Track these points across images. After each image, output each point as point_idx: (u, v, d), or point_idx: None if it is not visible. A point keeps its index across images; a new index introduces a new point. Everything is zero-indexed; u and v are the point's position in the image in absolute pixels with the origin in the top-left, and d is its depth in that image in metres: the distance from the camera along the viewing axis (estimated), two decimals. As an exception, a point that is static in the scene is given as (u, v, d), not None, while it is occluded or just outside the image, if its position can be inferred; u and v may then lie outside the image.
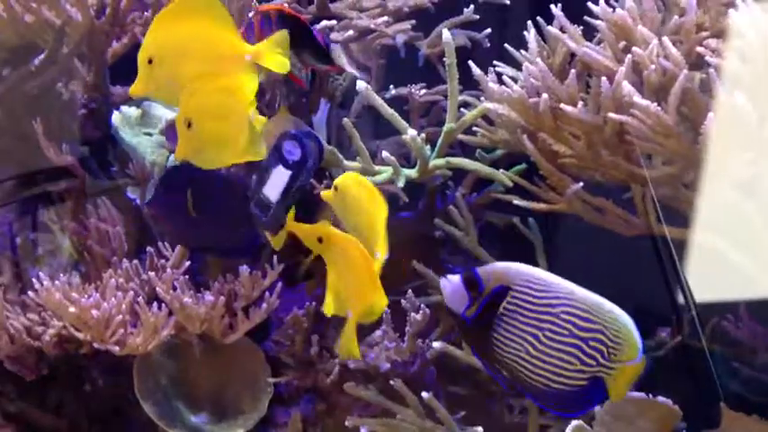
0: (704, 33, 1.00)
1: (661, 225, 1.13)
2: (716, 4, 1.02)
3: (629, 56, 1.00)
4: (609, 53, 1.05)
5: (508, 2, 1.38)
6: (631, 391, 1.07)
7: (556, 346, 0.90)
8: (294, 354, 1.31)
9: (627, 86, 0.98)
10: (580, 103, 1.05)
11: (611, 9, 1.05)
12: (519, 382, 0.93)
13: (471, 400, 1.35)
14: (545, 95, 1.06)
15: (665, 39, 0.98)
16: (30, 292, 1.23)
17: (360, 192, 0.97)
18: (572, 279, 1.18)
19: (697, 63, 1.00)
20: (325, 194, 1.00)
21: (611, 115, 1.01)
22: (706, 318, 1.27)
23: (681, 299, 1.26)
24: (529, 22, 1.18)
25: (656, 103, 0.97)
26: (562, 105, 1.05)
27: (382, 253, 0.93)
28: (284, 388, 1.33)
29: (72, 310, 1.18)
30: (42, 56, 1.33)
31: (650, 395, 1.09)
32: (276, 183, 0.97)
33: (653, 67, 0.98)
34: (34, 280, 1.21)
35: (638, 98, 0.97)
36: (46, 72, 1.35)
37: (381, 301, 0.94)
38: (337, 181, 1.00)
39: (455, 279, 0.93)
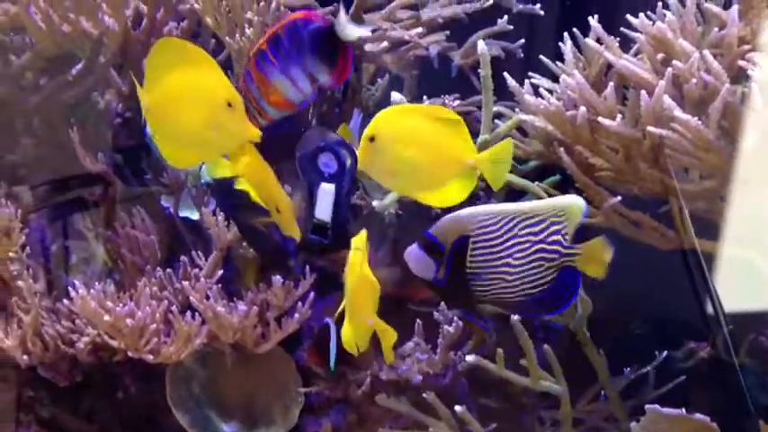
0: (746, 47, 0.99)
1: (698, 239, 1.12)
2: (758, 17, 1.00)
3: (670, 69, 0.99)
4: (647, 66, 1.04)
5: (542, 12, 1.37)
6: (667, 406, 1.07)
7: (525, 261, 0.96)
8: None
9: (667, 100, 0.97)
10: (618, 117, 1.04)
11: (651, 22, 1.05)
12: (504, 307, 1.00)
13: (502, 413, 1.34)
14: (583, 108, 1.06)
15: (707, 52, 0.97)
16: (65, 300, 1.24)
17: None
18: (605, 292, 1.18)
19: (738, 77, 0.99)
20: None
21: (651, 129, 1.00)
22: (742, 331, 1.25)
23: (716, 313, 1.25)
24: (565, 34, 1.17)
25: (696, 118, 0.96)
26: (600, 119, 1.04)
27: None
28: (315, 398, 1.33)
29: (107, 318, 1.19)
30: (79, 66, 1.35)
31: (685, 410, 1.08)
32: (324, 202, 0.97)
33: (694, 80, 0.97)
34: (70, 288, 1.22)
35: (678, 112, 0.96)
36: (83, 81, 1.36)
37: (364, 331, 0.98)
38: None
39: (416, 251, 0.96)
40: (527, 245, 0.96)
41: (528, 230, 0.95)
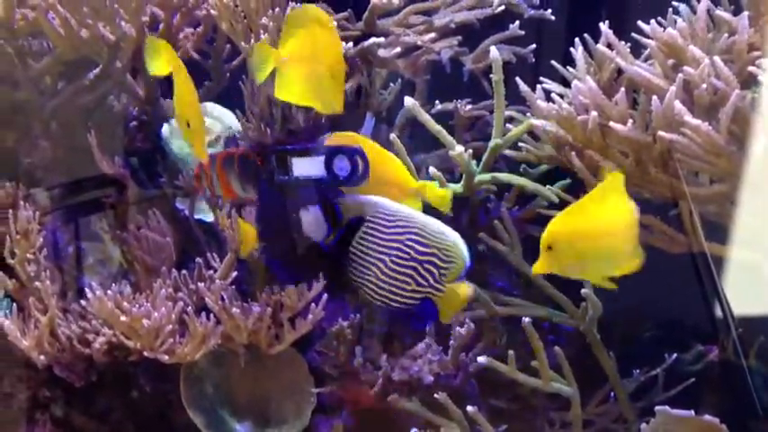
0: (756, 53, 1.00)
1: (707, 242, 1.13)
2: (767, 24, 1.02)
3: (680, 75, 1.00)
4: (658, 71, 1.06)
5: (553, 17, 1.38)
6: (676, 407, 1.08)
7: (398, 269, 1.02)
8: (338, 364, 1.32)
9: (678, 105, 0.98)
10: (629, 121, 1.05)
11: (662, 28, 1.06)
12: (366, 299, 1.06)
13: (512, 414, 1.35)
14: (594, 113, 1.07)
15: (717, 58, 0.98)
16: (82, 301, 1.25)
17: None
18: (616, 295, 1.19)
19: (748, 82, 1.00)
20: None
21: (662, 134, 1.01)
22: (753, 336, 1.26)
23: (726, 316, 1.26)
24: (576, 39, 1.19)
25: (706, 123, 0.97)
26: (612, 123, 1.06)
27: None
28: (327, 398, 1.34)
29: (123, 319, 1.20)
30: (97, 70, 1.37)
31: (694, 412, 1.09)
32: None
33: (704, 86, 0.98)
34: (86, 289, 1.23)
35: (689, 117, 0.97)
36: (100, 86, 1.38)
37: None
38: None
39: (315, 209, 1.03)
40: (406, 256, 1.02)
41: (412, 245, 1.02)
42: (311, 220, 1.02)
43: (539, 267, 0.97)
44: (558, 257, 0.96)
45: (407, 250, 1.02)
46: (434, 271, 1.01)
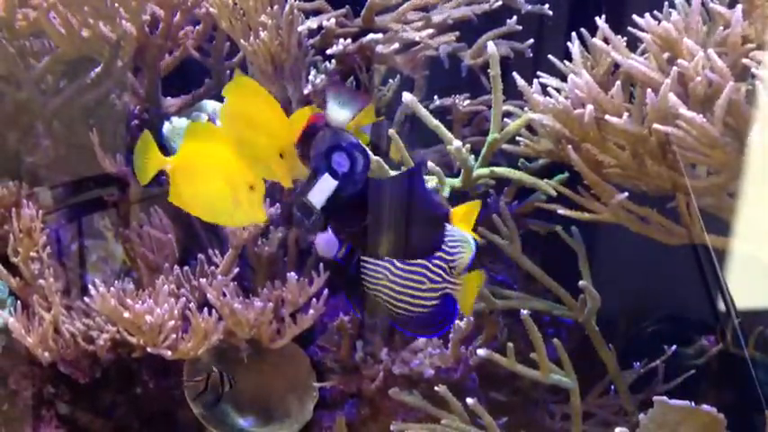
0: (750, 45, 1.00)
1: (704, 234, 1.13)
2: (761, 17, 1.02)
3: (675, 68, 1.01)
4: (654, 65, 1.06)
5: (550, 12, 1.39)
6: (676, 399, 1.09)
7: (407, 269, 1.00)
8: (339, 359, 1.34)
9: (673, 98, 0.99)
10: (625, 114, 1.06)
11: (657, 21, 1.06)
12: (386, 314, 1.03)
13: (512, 407, 1.36)
14: (590, 107, 1.08)
15: (711, 51, 0.98)
16: (85, 298, 1.27)
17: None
18: (614, 287, 1.20)
19: (742, 75, 1.01)
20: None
21: (657, 126, 1.02)
22: (750, 326, 1.27)
23: (724, 307, 1.26)
24: (573, 34, 1.19)
25: (701, 115, 0.98)
26: (607, 116, 1.06)
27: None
28: (329, 392, 1.35)
29: (127, 315, 1.21)
30: (98, 69, 1.38)
31: (693, 403, 1.10)
32: (322, 189, 1.00)
33: (699, 78, 0.99)
34: (90, 286, 1.24)
35: (683, 110, 0.98)
36: (101, 84, 1.39)
37: None
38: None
39: (324, 233, 1.02)
40: None
41: None
42: (325, 242, 1.02)
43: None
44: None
45: None
46: (444, 265, 1.01)
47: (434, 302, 1.02)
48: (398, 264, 1.01)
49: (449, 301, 1.02)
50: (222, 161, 0.99)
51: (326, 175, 1.03)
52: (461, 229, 1.02)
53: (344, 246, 1.02)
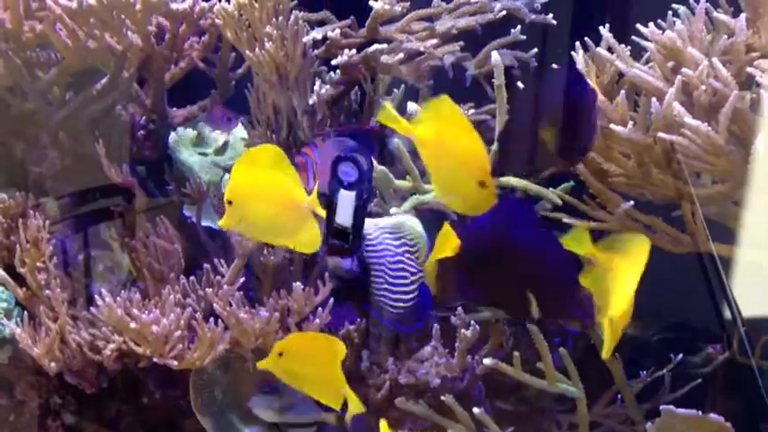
0: (754, 54, 1.01)
1: (710, 242, 1.13)
2: (766, 25, 1.02)
3: (679, 77, 1.01)
4: (658, 74, 1.07)
5: (555, 22, 1.39)
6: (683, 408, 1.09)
7: (393, 267, 1.09)
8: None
9: (677, 107, 0.99)
10: (630, 123, 1.06)
11: (661, 30, 1.07)
12: (389, 317, 1.12)
13: (519, 416, 1.36)
14: (595, 116, 1.08)
15: (715, 60, 0.99)
16: (92, 308, 1.27)
17: None
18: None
19: (747, 83, 1.01)
20: None
21: (662, 135, 1.02)
22: (756, 334, 1.27)
23: (730, 315, 1.26)
24: (577, 43, 1.20)
25: (706, 123, 0.98)
26: (612, 125, 1.06)
27: None
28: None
29: (133, 325, 1.21)
30: (104, 80, 1.39)
31: (700, 412, 1.10)
32: (345, 208, 1.00)
33: (703, 87, 0.99)
34: (96, 296, 1.25)
35: (688, 118, 0.98)
36: (107, 95, 1.40)
37: None
38: None
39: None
40: (389, 253, 1.10)
41: (389, 244, 1.09)
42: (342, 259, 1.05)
43: (223, 222, 1.04)
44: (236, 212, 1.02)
45: (389, 249, 1.09)
46: (413, 257, 1.09)
47: (415, 294, 1.09)
48: (389, 264, 1.08)
49: (423, 290, 1.10)
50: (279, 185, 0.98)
51: (341, 192, 1.04)
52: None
53: (354, 260, 1.03)
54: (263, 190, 0.98)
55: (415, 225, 1.08)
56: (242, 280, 1.31)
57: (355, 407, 1.10)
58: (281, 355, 1.10)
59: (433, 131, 0.95)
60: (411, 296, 1.08)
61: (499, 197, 0.99)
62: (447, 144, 0.94)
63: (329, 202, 1.01)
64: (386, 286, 1.06)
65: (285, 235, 1.02)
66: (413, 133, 0.95)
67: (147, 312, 1.23)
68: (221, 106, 1.48)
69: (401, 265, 1.09)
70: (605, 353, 0.94)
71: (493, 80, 1.20)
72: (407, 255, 1.07)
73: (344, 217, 1.00)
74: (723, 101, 0.97)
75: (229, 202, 1.02)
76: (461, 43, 1.34)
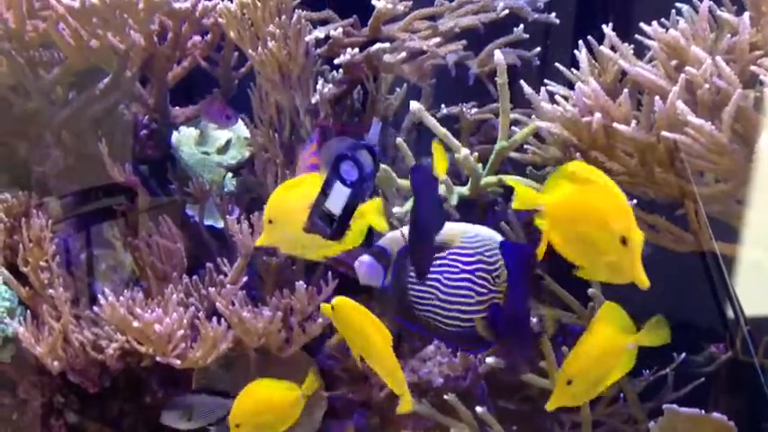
0: (758, 52, 1.00)
1: (713, 241, 1.13)
2: (769, 24, 1.02)
3: (683, 75, 1.01)
4: (661, 72, 1.07)
5: (557, 21, 1.39)
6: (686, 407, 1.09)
7: (454, 285, 0.99)
8: (348, 368, 1.33)
9: (681, 105, 0.99)
10: (633, 122, 1.06)
11: (664, 29, 1.07)
12: (438, 333, 1.02)
13: (521, 415, 1.36)
14: (598, 115, 1.08)
15: (719, 58, 0.99)
16: (95, 307, 1.27)
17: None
18: (623, 295, 1.19)
19: (750, 82, 1.01)
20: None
21: (665, 134, 1.02)
22: (759, 333, 1.26)
23: (733, 314, 1.26)
24: (580, 42, 1.19)
25: (709, 122, 0.98)
26: (615, 124, 1.06)
27: None
28: (338, 401, 1.35)
29: (136, 324, 1.22)
30: (107, 79, 1.39)
31: (703, 411, 1.10)
32: (338, 198, 1.00)
33: (707, 86, 0.99)
34: (99, 296, 1.25)
35: (691, 117, 0.98)
36: (110, 95, 1.40)
37: None
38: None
39: (365, 258, 1.01)
40: (456, 270, 1.00)
41: (457, 258, 0.99)
42: (367, 269, 1.01)
43: (261, 240, 1.05)
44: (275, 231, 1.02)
45: (455, 264, 1.00)
46: (487, 276, 1.00)
47: (482, 315, 1.01)
48: (445, 281, 1.00)
49: (496, 311, 1.01)
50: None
51: (339, 184, 1.03)
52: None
53: (389, 273, 1.01)
54: (301, 208, 0.99)
55: (495, 238, 1.00)
56: (245, 279, 1.31)
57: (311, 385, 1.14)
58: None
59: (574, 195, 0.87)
60: (471, 316, 1.03)
61: None
62: (589, 204, 0.86)
63: (325, 186, 1.01)
64: (437, 303, 1.02)
65: (324, 246, 1.02)
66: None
67: (149, 311, 1.23)
68: (220, 101, 1.48)
69: (466, 283, 1.00)
70: (549, 405, 0.97)
71: (495, 79, 1.20)
72: (479, 273, 1.02)
73: (335, 205, 1.00)
74: (726, 99, 0.97)
75: (269, 221, 1.04)
76: (464, 42, 1.34)
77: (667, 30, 1.07)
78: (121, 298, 1.24)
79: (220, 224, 1.43)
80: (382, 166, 1.22)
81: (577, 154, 1.13)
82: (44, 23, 1.34)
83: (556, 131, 1.15)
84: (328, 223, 1.01)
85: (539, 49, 1.39)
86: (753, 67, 0.99)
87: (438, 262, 1.00)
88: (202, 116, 1.52)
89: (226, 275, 1.31)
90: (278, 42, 1.25)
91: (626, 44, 1.13)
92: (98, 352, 1.29)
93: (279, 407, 1.14)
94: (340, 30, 1.30)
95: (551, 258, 1.38)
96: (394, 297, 1.02)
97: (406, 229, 1.03)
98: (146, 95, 1.44)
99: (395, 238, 1.03)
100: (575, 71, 1.19)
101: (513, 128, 1.24)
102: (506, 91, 1.19)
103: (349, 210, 1.00)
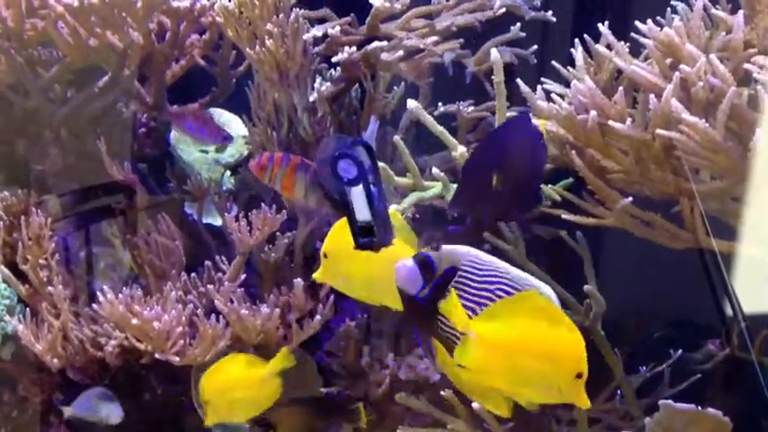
0: (752, 50, 1.01)
1: (709, 238, 1.13)
2: (763, 22, 1.03)
3: (677, 73, 1.01)
4: (656, 70, 1.07)
5: (554, 19, 1.40)
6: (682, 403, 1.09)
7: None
8: (346, 364, 1.34)
9: (675, 103, 0.99)
10: (629, 120, 1.07)
11: (659, 27, 1.07)
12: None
13: (518, 412, 1.36)
14: (593, 113, 1.08)
15: (713, 56, 0.99)
16: (94, 305, 1.28)
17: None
18: (621, 292, 1.19)
19: (744, 80, 1.01)
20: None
21: (660, 131, 1.02)
22: (756, 330, 1.27)
23: (730, 311, 1.27)
24: (576, 40, 1.20)
25: (704, 120, 0.98)
26: (611, 122, 1.07)
27: None
28: (336, 397, 1.36)
29: (135, 322, 1.22)
30: (105, 78, 1.39)
31: (699, 407, 1.10)
32: (359, 203, 0.99)
33: (701, 83, 0.99)
34: (98, 293, 1.25)
35: (686, 115, 0.98)
36: (109, 93, 1.40)
37: None
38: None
39: (410, 263, 0.97)
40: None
41: (501, 293, 0.96)
42: (407, 273, 0.99)
43: (318, 275, 1.04)
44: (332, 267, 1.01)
45: (496, 299, 0.96)
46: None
47: None
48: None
49: None
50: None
51: (351, 190, 1.02)
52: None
53: (428, 287, 0.98)
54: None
55: (544, 289, 0.95)
56: (243, 277, 1.31)
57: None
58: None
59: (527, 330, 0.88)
60: None
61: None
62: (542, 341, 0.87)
63: (344, 202, 0.99)
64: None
65: (383, 293, 1.01)
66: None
67: (148, 309, 1.24)
68: (212, 120, 1.47)
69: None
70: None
71: (492, 77, 1.20)
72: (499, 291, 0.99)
73: (362, 212, 0.98)
74: (721, 97, 0.97)
75: (325, 255, 1.03)
76: (461, 40, 1.34)
77: (662, 28, 1.07)
78: (120, 295, 1.24)
79: (219, 222, 1.43)
80: (381, 164, 1.22)
81: (573, 152, 1.14)
82: (43, 22, 1.35)
83: (552, 129, 1.15)
84: (370, 234, 0.99)
85: (536, 47, 1.40)
86: (747, 65, 1.00)
87: (479, 292, 0.96)
88: (195, 137, 1.50)
89: (224, 273, 1.32)
90: (276, 41, 1.26)
91: (622, 42, 1.14)
92: (97, 349, 1.29)
93: (248, 384, 1.14)
94: (338, 28, 1.31)
95: (549, 257, 1.39)
96: (423, 312, 1.00)
97: (461, 250, 0.99)
98: (144, 94, 1.44)
99: (444, 256, 0.98)
100: (571, 69, 1.19)
101: (509, 126, 1.24)
102: (503, 89, 1.20)
103: (378, 209, 0.99)
